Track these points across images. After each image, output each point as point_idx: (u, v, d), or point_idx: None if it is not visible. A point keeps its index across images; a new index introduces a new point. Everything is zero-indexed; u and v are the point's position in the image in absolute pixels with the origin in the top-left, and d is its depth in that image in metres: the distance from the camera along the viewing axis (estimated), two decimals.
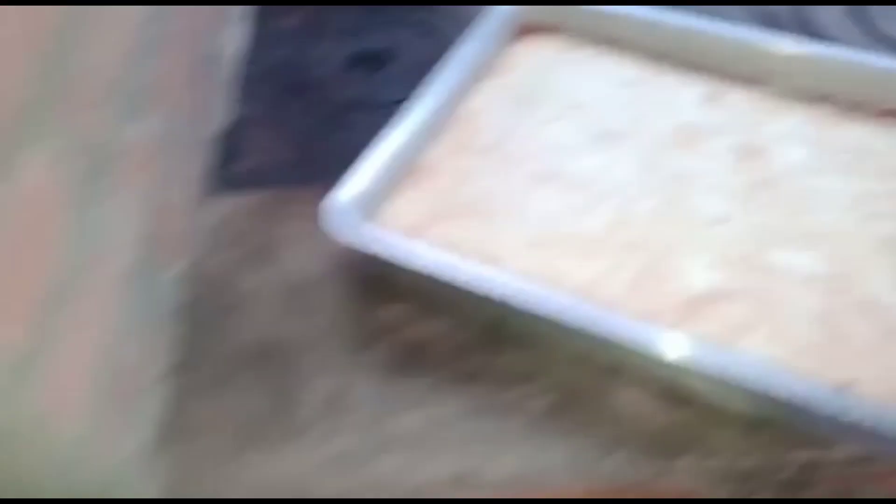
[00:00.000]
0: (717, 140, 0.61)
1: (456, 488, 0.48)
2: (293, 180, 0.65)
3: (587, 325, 0.48)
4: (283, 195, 0.64)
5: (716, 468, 0.48)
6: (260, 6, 0.84)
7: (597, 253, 0.55)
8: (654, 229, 0.56)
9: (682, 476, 0.48)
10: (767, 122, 0.63)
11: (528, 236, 0.56)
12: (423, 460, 0.49)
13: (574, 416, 0.50)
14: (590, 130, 0.63)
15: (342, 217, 0.54)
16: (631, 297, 0.52)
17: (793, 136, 0.61)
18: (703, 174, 0.59)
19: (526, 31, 0.72)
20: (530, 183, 0.60)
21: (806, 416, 0.46)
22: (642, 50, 0.69)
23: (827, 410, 0.44)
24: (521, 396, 0.51)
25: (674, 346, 0.47)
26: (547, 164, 0.61)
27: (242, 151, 0.69)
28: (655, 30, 0.68)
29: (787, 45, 0.64)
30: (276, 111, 0.73)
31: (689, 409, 0.49)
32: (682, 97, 0.65)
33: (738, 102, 0.64)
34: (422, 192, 0.59)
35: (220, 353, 0.55)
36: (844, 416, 0.44)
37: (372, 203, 0.57)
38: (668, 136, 0.62)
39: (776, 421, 0.48)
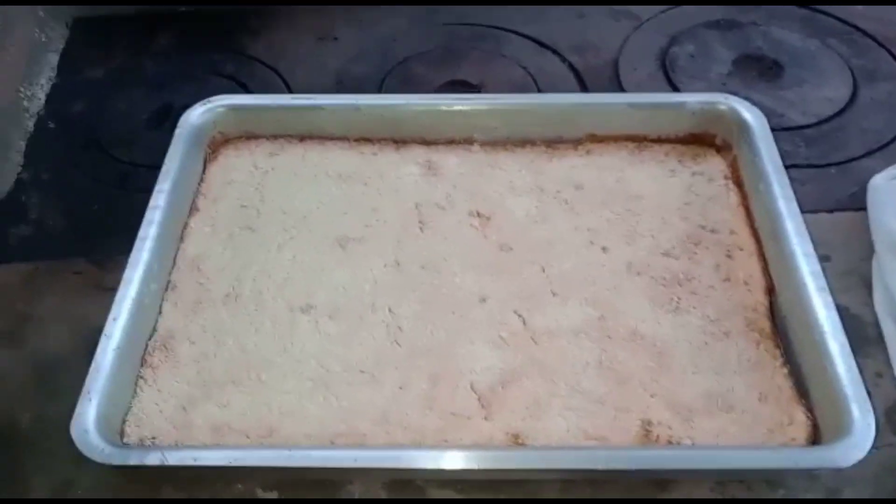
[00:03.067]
0: (450, 215, 0.61)
1: None
2: (61, 253, 0.65)
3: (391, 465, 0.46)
4: (48, 268, 0.64)
5: None
6: (67, 54, 0.82)
7: (378, 380, 0.52)
8: (425, 333, 0.54)
9: None
10: (488, 179, 0.64)
11: (300, 388, 0.52)
12: None
13: None
14: (325, 243, 0.59)
15: (95, 441, 0.46)
16: (427, 415, 0.50)
17: (512, 188, 0.63)
18: (450, 254, 0.59)
19: (218, 145, 0.66)
20: (284, 326, 0.55)
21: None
22: (346, 133, 0.67)
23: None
24: None
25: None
26: (294, 297, 0.56)
27: (17, 220, 0.68)
28: (356, 113, 0.66)
29: (477, 102, 0.66)
30: (60, 174, 0.71)
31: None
32: (402, 177, 0.64)
33: (456, 167, 0.65)
34: (174, 376, 0.52)
35: None
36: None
37: (121, 408, 0.49)
38: (405, 226, 0.61)
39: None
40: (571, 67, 0.80)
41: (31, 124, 0.75)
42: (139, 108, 0.77)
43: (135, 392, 0.52)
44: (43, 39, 0.82)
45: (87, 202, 0.69)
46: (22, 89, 0.76)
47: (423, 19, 0.86)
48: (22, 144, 0.73)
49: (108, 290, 0.59)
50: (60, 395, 0.54)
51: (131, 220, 0.61)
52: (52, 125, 0.76)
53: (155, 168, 0.64)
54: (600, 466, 0.46)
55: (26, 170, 0.72)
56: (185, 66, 0.81)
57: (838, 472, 0.50)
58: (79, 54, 0.84)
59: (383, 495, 0.51)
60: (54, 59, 0.82)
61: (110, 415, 0.49)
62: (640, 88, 0.76)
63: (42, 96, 0.78)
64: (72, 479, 0.52)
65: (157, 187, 0.59)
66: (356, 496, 0.50)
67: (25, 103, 0.76)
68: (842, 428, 0.46)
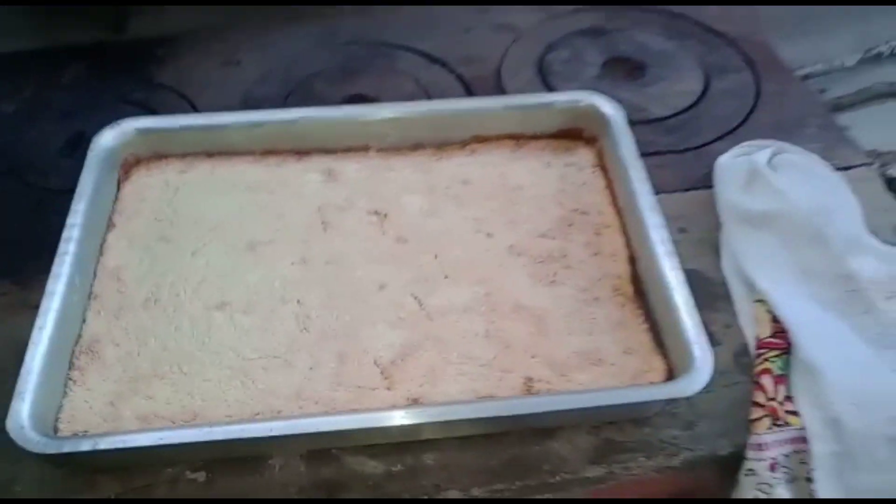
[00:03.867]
0: (350, 215, 0.68)
1: None
2: None
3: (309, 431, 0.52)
4: None
5: None
6: None
7: (290, 363, 0.58)
8: (332, 319, 0.61)
9: None
10: (384, 182, 0.71)
11: (220, 376, 0.57)
12: None
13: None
14: (237, 248, 0.65)
15: (30, 434, 0.51)
16: (337, 389, 0.57)
17: (406, 188, 0.70)
18: (352, 250, 0.65)
19: (130, 166, 0.71)
20: (202, 323, 0.60)
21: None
22: (251, 149, 0.72)
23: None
24: None
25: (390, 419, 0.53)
26: (209, 297, 0.62)
27: None
28: (258, 129, 0.72)
29: (372, 112, 0.73)
30: None
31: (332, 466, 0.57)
32: (305, 184, 0.70)
33: (354, 172, 0.71)
34: (101, 376, 0.57)
35: None
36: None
37: (52, 407, 0.54)
38: (309, 227, 0.67)
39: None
40: (459, 78, 0.88)
41: None
42: (52, 137, 0.81)
43: (65, 392, 0.56)
44: None
45: (7, 228, 0.72)
46: None
47: (323, 40, 0.92)
48: None
49: (33, 308, 0.63)
50: None
51: (50, 242, 0.65)
52: None
53: (70, 192, 0.69)
54: (489, 415, 0.53)
55: None
56: (94, 95, 0.85)
57: (694, 407, 0.59)
58: None
59: (302, 467, 0.56)
60: None
61: (43, 413, 0.53)
62: (521, 93, 0.84)
63: None
64: (13, 477, 0.55)
65: (73, 208, 0.64)
66: (277, 469, 0.56)
67: None
68: (687, 366, 0.55)
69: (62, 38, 0.92)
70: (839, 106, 1.16)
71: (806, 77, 1.17)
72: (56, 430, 0.54)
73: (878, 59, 1.27)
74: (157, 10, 0.94)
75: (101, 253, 0.64)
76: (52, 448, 0.51)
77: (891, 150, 1.00)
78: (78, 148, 0.78)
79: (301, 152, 0.72)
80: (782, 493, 0.56)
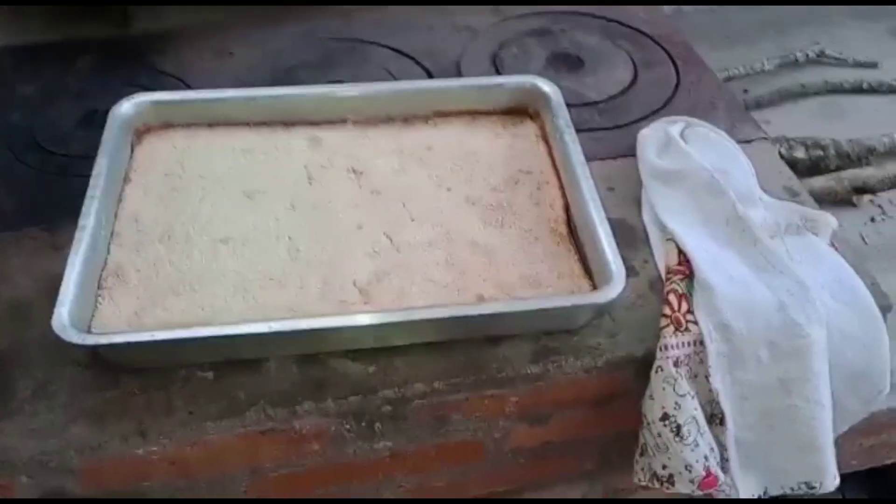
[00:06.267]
0: (332, 172, 0.81)
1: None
2: (17, 226, 0.78)
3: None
4: (7, 237, 0.78)
5: (331, 408, 0.67)
6: None
7: (284, 284, 0.70)
8: (318, 251, 0.73)
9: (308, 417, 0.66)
10: (360, 147, 0.84)
11: (225, 293, 0.69)
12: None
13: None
14: (237, 196, 0.77)
15: (71, 331, 0.62)
16: (322, 303, 0.69)
17: (379, 152, 0.83)
18: (334, 199, 0.78)
19: (142, 133, 0.83)
20: (209, 253, 0.72)
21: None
22: (246, 119, 0.85)
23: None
24: None
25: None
26: (215, 233, 0.74)
27: None
28: (252, 103, 0.84)
29: (349, 90, 0.86)
30: (6, 168, 0.85)
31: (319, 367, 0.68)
32: (293, 149, 0.83)
33: (335, 139, 0.84)
34: (125, 294, 0.69)
35: None
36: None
37: (86, 317, 0.65)
38: (297, 181, 0.79)
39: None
40: (424, 69, 1.01)
41: None
42: (69, 114, 0.92)
43: (95, 306, 0.67)
44: None
45: (34, 187, 0.84)
46: None
47: (304, 36, 1.06)
48: None
49: (61, 249, 0.75)
50: (33, 324, 0.69)
51: (72, 198, 0.76)
52: None
53: (87, 158, 0.80)
54: (448, 315, 0.66)
55: None
56: (105, 80, 0.97)
57: (616, 322, 0.72)
58: (9, 76, 0.98)
59: (294, 368, 0.68)
60: None
61: (79, 318, 0.64)
62: None
63: None
64: (49, 379, 0.66)
65: (97, 161, 0.75)
66: (273, 370, 0.68)
67: None
68: (607, 280, 0.68)
69: (75, 32, 1.04)
70: (760, 103, 1.33)
71: (729, 79, 1.33)
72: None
73: (794, 64, 1.44)
74: (158, 9, 1.07)
75: (120, 201, 0.76)
76: (90, 341, 0.62)
77: (795, 136, 1.16)
78: (92, 122, 0.90)
79: (288, 123, 0.85)
80: (683, 385, 0.69)
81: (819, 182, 1.09)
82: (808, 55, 1.44)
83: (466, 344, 0.70)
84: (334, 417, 0.68)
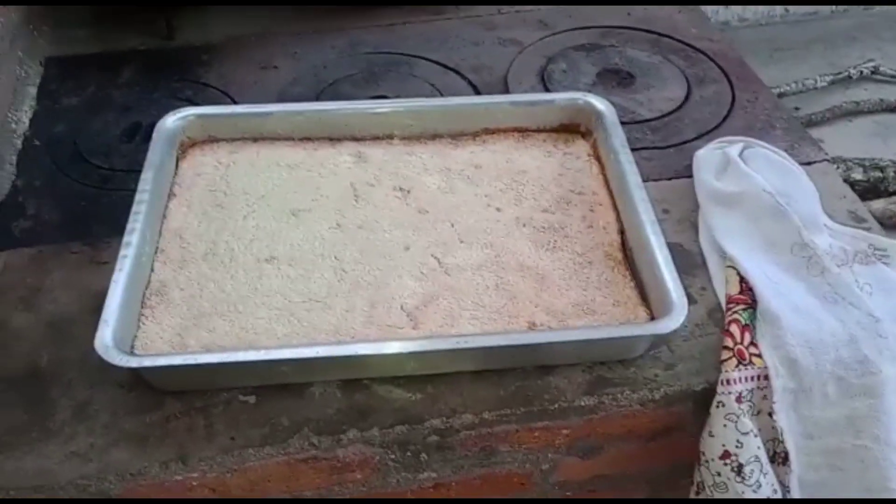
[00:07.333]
0: (378, 190, 0.79)
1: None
2: (59, 239, 0.78)
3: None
4: (50, 251, 0.77)
5: (376, 437, 0.64)
6: (43, 87, 0.96)
7: (329, 306, 0.68)
8: (364, 272, 0.71)
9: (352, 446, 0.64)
10: (406, 164, 0.82)
11: (269, 315, 0.67)
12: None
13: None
14: (282, 214, 0.75)
15: (114, 352, 0.60)
16: (369, 327, 0.67)
17: (426, 169, 0.81)
18: (380, 218, 0.76)
19: (187, 147, 0.82)
20: (253, 272, 0.70)
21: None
22: (291, 135, 0.83)
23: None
24: None
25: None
26: (259, 252, 0.72)
27: (17, 215, 0.81)
28: (297, 118, 0.83)
29: (396, 106, 0.84)
30: (50, 180, 0.85)
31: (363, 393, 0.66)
32: (339, 165, 0.81)
33: (381, 156, 0.82)
34: (169, 313, 0.67)
35: None
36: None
37: (129, 336, 0.64)
38: (343, 198, 0.77)
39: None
40: (470, 83, 0.99)
41: (19, 143, 0.89)
42: (112, 126, 0.92)
43: (138, 326, 0.66)
44: (22, 75, 0.96)
45: (76, 200, 0.83)
46: (10, 115, 0.90)
47: (347, 50, 1.04)
48: (14, 158, 0.87)
49: (103, 264, 0.74)
50: (74, 342, 0.69)
51: (114, 212, 0.76)
52: (37, 143, 0.90)
53: (130, 172, 0.79)
54: (499, 343, 0.63)
55: (20, 178, 0.85)
56: (148, 93, 0.97)
57: (673, 353, 0.69)
58: (54, 87, 0.98)
59: (338, 393, 0.66)
60: (33, 91, 0.97)
61: (122, 338, 0.63)
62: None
63: (26, 121, 0.92)
64: (90, 400, 0.65)
65: (142, 177, 0.74)
66: (317, 396, 0.66)
67: (13, 125, 0.89)
68: (666, 310, 0.65)
69: (119, 44, 1.04)
70: (812, 122, 1.28)
71: (781, 95, 1.29)
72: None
73: (846, 81, 1.40)
74: (203, 21, 1.06)
75: (164, 217, 0.75)
76: (133, 363, 0.60)
77: (853, 157, 1.12)
78: (136, 136, 0.90)
79: (334, 139, 0.83)
80: (746, 422, 0.66)
81: (878, 205, 1.05)
82: (861, 71, 1.40)
83: (517, 373, 0.67)
84: (379, 447, 0.65)
